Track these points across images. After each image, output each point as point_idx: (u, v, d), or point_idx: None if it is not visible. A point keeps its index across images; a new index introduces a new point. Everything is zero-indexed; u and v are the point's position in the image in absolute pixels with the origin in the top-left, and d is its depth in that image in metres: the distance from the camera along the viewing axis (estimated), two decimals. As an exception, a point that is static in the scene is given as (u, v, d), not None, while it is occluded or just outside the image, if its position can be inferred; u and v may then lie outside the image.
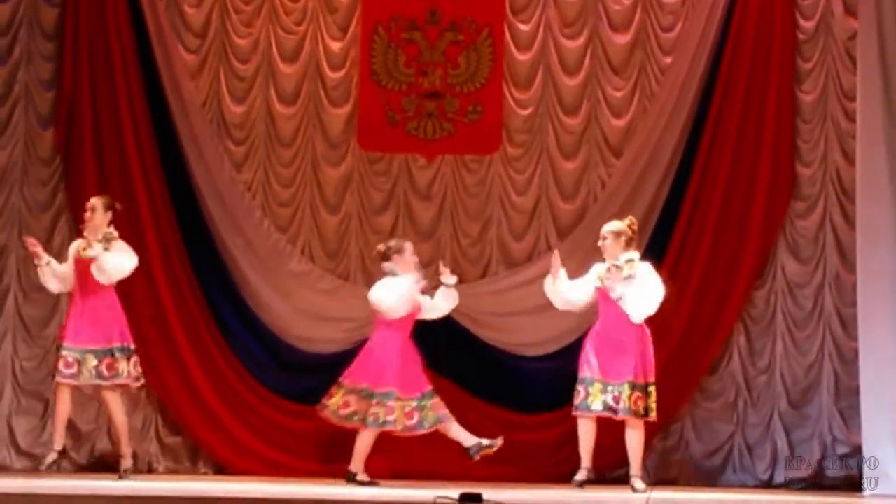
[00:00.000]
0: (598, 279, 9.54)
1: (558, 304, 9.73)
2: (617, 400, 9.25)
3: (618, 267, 9.45)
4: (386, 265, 9.87)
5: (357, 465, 9.61)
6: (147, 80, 11.05)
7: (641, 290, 9.39)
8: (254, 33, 11.23)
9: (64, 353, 9.53)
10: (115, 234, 9.72)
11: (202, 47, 11.20)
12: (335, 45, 11.24)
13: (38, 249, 9.72)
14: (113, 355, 9.58)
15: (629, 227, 9.55)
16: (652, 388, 9.36)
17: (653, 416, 9.38)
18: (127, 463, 9.64)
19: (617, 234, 9.51)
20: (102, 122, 11.00)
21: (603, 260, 9.57)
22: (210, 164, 11.07)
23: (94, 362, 9.52)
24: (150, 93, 11.06)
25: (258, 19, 11.23)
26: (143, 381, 9.83)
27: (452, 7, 11.18)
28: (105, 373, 9.55)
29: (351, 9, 11.22)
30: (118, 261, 9.62)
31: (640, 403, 9.26)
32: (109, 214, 9.75)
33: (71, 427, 10.56)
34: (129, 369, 9.62)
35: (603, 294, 9.49)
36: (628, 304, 9.37)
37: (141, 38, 11.05)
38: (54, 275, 9.73)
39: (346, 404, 9.63)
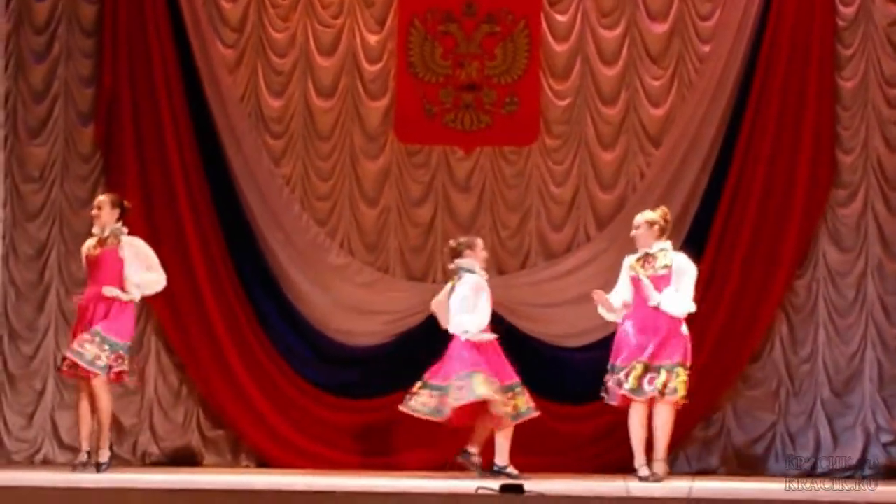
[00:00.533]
0: (630, 269, 9.48)
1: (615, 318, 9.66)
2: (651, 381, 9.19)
3: (652, 256, 9.41)
4: (461, 262, 9.80)
5: (504, 458, 9.54)
6: (185, 75, 11.10)
7: (678, 293, 9.31)
8: (291, 27, 11.25)
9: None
10: (125, 230, 9.76)
11: (239, 42, 11.23)
12: (372, 38, 11.24)
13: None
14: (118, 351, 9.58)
15: (662, 216, 9.49)
16: (680, 370, 9.23)
17: (678, 397, 9.23)
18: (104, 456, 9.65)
19: (650, 224, 9.46)
20: (142, 117, 11.05)
21: (634, 251, 9.51)
22: (249, 159, 11.10)
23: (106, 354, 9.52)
24: (189, 88, 11.10)
25: (295, 13, 11.25)
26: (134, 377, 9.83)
27: (489, -2, 11.18)
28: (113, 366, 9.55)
29: (387, 2, 11.22)
30: (149, 278, 9.68)
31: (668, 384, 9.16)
32: (117, 211, 9.76)
33: (114, 422, 10.63)
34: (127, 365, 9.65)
35: (634, 281, 9.43)
36: (667, 308, 9.30)
37: (179, 33, 11.10)
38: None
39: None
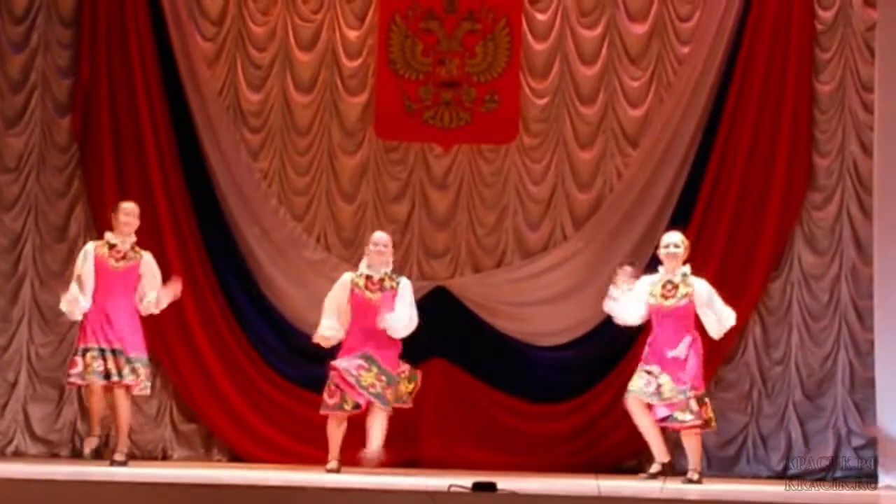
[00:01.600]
0: (650, 296, 9.42)
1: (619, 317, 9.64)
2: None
3: (674, 284, 9.40)
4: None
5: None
6: (164, 68, 11.07)
7: (718, 314, 9.37)
8: (271, 21, 11.24)
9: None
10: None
11: (219, 35, 11.21)
12: (352, 34, 11.23)
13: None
14: (131, 361, 9.56)
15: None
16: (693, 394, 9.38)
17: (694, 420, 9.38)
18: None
19: (686, 247, 9.47)
20: (119, 109, 11.02)
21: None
22: (226, 153, 11.09)
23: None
24: (167, 81, 11.08)
25: (275, 7, 11.24)
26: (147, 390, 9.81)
27: (470, -4, 11.18)
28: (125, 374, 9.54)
29: (368, -3, 11.23)
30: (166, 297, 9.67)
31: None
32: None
33: (85, 414, 10.63)
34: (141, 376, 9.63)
35: (654, 310, 9.40)
36: (712, 331, 9.37)
37: (158, 26, 11.08)
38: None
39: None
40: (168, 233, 10.88)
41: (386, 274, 9.68)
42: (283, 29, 11.25)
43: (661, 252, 9.53)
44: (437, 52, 11.20)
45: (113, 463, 9.48)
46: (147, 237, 10.59)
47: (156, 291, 9.60)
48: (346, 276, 9.74)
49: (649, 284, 9.48)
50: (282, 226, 11.11)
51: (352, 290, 9.63)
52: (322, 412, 9.57)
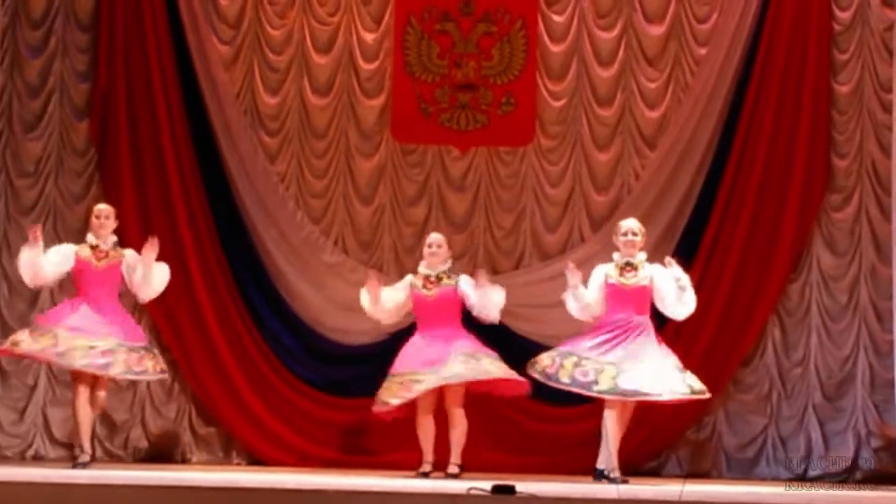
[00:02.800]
0: (606, 276, 9.35)
1: (579, 313, 9.59)
2: None
3: (633, 266, 9.36)
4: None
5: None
6: (181, 71, 11.09)
7: (678, 297, 9.29)
8: (288, 24, 11.25)
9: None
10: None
11: (236, 38, 11.22)
12: (369, 37, 11.24)
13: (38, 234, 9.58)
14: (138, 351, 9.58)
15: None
16: None
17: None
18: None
19: (643, 234, 9.45)
20: (137, 113, 11.05)
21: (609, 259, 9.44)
22: (244, 156, 11.10)
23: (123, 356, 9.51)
24: (185, 84, 11.10)
25: (292, 10, 11.26)
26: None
27: (486, -2, 11.18)
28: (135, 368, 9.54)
29: (384, 0, 11.21)
30: (162, 274, 9.65)
31: None
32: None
33: (105, 418, 10.65)
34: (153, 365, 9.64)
35: (615, 289, 9.33)
36: (673, 315, 9.31)
37: (175, 29, 11.10)
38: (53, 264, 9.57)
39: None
40: (186, 236, 10.89)
41: (443, 272, 9.72)
42: (299, 32, 11.26)
43: (620, 240, 9.45)
44: (453, 55, 11.20)
45: (76, 465, 9.40)
46: (164, 241, 10.59)
47: (139, 267, 9.55)
48: (408, 278, 9.84)
49: (605, 271, 9.40)
50: (299, 229, 11.12)
51: (411, 291, 9.68)
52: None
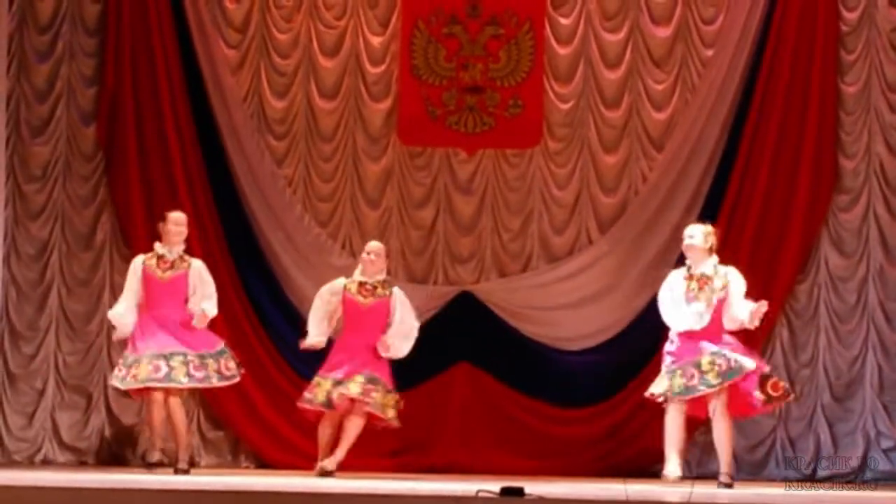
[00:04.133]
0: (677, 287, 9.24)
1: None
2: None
3: (708, 277, 9.28)
4: None
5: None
6: (188, 75, 11.11)
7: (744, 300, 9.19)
8: (294, 28, 11.26)
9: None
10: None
11: (243, 42, 11.24)
12: (375, 40, 11.25)
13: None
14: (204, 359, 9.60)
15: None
16: None
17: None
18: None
19: (707, 236, 9.33)
20: (144, 117, 11.06)
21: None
22: (251, 159, 11.11)
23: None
24: (192, 88, 11.11)
25: (298, 14, 11.26)
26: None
27: (493, 1, 11.17)
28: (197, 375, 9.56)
29: (391, 3, 11.23)
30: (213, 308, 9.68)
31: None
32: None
33: (114, 421, 10.67)
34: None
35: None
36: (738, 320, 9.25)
37: (182, 33, 11.11)
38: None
39: None
40: (193, 239, 10.83)
41: (379, 281, 9.68)
42: (306, 36, 11.27)
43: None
44: (460, 57, 11.20)
45: (177, 471, 9.51)
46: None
47: (203, 303, 9.56)
48: (339, 281, 9.75)
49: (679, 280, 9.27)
50: (307, 232, 11.12)
51: (344, 296, 9.63)
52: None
